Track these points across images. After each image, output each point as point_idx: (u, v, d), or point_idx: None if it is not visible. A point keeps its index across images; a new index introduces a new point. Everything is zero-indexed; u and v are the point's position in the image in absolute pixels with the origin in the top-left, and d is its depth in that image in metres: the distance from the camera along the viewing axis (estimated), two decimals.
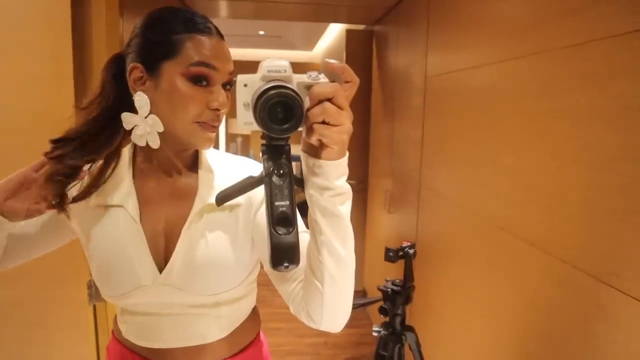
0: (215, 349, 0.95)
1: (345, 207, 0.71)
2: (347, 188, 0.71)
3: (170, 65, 0.79)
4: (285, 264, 0.62)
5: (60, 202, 0.84)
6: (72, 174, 0.83)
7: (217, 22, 0.89)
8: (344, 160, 0.69)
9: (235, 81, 0.73)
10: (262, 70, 0.63)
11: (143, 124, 0.82)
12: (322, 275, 0.73)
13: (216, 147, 0.99)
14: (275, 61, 0.63)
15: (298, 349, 3.25)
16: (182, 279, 0.87)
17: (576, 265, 1.20)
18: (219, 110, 0.81)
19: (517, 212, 1.49)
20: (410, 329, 1.48)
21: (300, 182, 0.70)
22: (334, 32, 4.93)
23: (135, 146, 0.92)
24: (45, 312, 1.96)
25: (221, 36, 0.85)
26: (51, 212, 0.89)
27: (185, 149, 0.90)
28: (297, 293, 0.83)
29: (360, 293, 3.94)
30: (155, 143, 0.83)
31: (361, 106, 3.89)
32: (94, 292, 2.00)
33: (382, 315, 1.47)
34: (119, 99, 0.85)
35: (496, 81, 1.67)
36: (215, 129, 0.83)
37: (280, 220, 0.61)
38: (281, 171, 0.63)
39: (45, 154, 0.84)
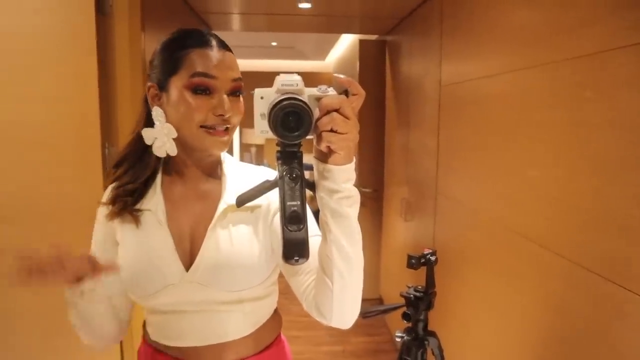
0: (240, 346, 0.99)
1: (352, 209, 0.77)
2: (355, 191, 0.77)
3: (176, 79, 0.89)
4: (296, 258, 0.69)
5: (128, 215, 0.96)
6: (132, 193, 0.96)
7: (231, 35, 0.95)
8: (351, 165, 0.74)
9: (243, 90, 0.90)
10: (276, 84, 0.70)
11: (161, 135, 0.91)
12: (332, 272, 0.79)
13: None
14: (288, 76, 0.70)
15: (316, 357, 3.26)
16: (208, 276, 0.93)
17: (594, 269, 1.22)
18: (222, 115, 0.88)
19: (534, 218, 1.51)
20: (433, 334, 1.50)
21: (312, 186, 0.76)
22: (346, 42, 4.98)
23: (163, 163, 1.00)
24: (68, 321, 2.00)
25: (225, 47, 0.92)
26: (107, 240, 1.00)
27: (205, 155, 0.97)
28: (310, 292, 0.89)
29: (376, 301, 3.95)
30: (172, 151, 0.92)
31: (375, 115, 3.93)
32: None
33: (405, 321, 1.49)
34: (149, 119, 0.95)
35: (511, 90, 1.69)
36: (224, 133, 0.90)
37: (292, 218, 0.69)
38: (293, 174, 0.70)
39: (110, 182, 0.98)
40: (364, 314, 1.51)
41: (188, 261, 0.95)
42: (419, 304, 1.45)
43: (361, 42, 3.99)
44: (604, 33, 1.19)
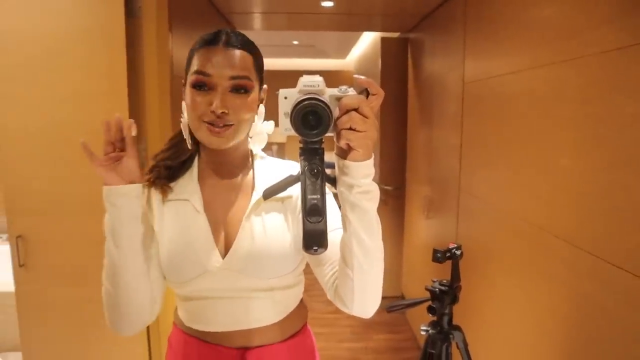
0: (268, 332, 1.04)
1: (371, 203, 0.81)
2: (374, 186, 0.80)
3: (188, 76, 0.95)
4: (315, 248, 0.74)
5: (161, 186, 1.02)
6: (169, 170, 1.04)
7: (252, 34, 0.97)
8: (370, 161, 0.78)
9: (249, 87, 0.94)
10: (299, 85, 0.75)
11: (185, 126, 1.00)
12: (352, 263, 0.84)
13: None
14: (310, 77, 0.75)
15: (338, 354, 3.29)
16: (242, 263, 0.98)
17: (620, 265, 1.22)
18: (214, 112, 0.90)
19: (561, 214, 1.51)
20: (458, 328, 1.52)
21: (332, 181, 0.81)
22: (367, 40, 4.98)
23: (198, 153, 1.07)
24: (102, 313, 2.07)
25: (234, 46, 0.94)
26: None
27: (216, 150, 0.99)
28: (333, 282, 0.94)
29: (398, 298, 3.95)
30: (188, 143, 1.02)
31: (397, 113, 3.93)
32: None
33: (430, 315, 1.51)
34: None
35: (535, 86, 1.69)
36: (222, 129, 0.92)
37: (312, 211, 0.73)
38: (314, 170, 0.74)
39: (151, 159, 1.06)
40: (388, 308, 1.53)
41: (223, 249, 1.00)
42: (444, 298, 1.46)
43: (383, 39, 3.99)
44: (628, 28, 1.18)
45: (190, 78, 0.93)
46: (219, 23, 3.32)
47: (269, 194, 0.87)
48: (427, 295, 1.52)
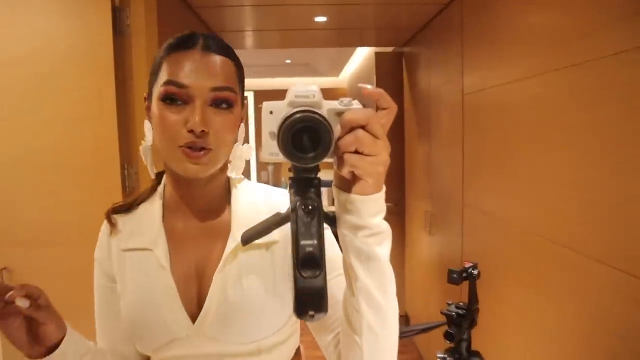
0: None
1: (383, 249, 0.62)
2: (385, 227, 0.63)
3: (155, 88, 0.76)
4: (311, 313, 0.54)
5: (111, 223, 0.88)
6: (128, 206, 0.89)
7: (244, 53, 0.86)
8: (381, 195, 0.61)
9: (233, 102, 0.76)
10: (289, 96, 0.56)
11: (147, 151, 0.84)
12: (361, 327, 0.65)
13: (247, 175, 0.90)
14: (304, 86, 0.56)
15: None
16: (217, 328, 0.79)
17: (636, 274, 1.15)
18: (193, 132, 0.72)
19: (570, 224, 1.46)
20: (477, 354, 1.42)
21: (332, 220, 0.62)
22: (361, 56, 4.98)
23: (164, 186, 0.88)
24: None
25: (214, 50, 0.76)
26: (108, 296, 0.87)
27: (201, 182, 0.82)
28: (335, 346, 0.75)
29: (402, 319, 3.84)
30: (151, 171, 0.87)
31: (394, 127, 3.84)
32: None
33: (447, 341, 1.40)
34: None
35: (537, 94, 1.65)
36: (200, 154, 0.73)
37: (306, 262, 0.54)
38: (309, 207, 0.56)
39: None
40: (401, 334, 1.43)
41: (195, 309, 0.81)
42: (462, 322, 1.36)
43: (377, 54, 3.97)
44: (626, 33, 1.16)
45: (159, 90, 0.73)
46: None
47: (248, 238, 0.65)
48: (442, 318, 1.42)
